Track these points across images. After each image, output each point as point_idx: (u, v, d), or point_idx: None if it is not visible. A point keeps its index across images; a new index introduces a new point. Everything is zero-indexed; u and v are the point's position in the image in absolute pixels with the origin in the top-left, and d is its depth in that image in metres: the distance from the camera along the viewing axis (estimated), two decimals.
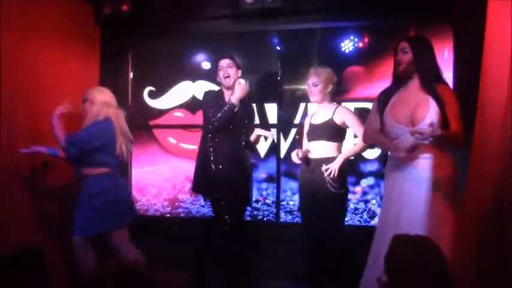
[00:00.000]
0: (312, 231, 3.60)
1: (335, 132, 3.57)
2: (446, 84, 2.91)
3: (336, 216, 3.55)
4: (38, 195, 3.82)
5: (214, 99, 3.77)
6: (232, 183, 3.68)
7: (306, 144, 3.73)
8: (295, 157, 3.57)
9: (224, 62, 3.77)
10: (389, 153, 3.13)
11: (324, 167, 3.47)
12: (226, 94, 3.77)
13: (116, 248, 3.55)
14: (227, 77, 3.75)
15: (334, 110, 3.58)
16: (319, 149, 3.58)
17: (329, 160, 3.51)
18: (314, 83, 3.61)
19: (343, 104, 3.84)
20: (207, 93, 3.88)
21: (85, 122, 3.54)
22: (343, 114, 3.56)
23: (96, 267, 3.51)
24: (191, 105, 4.70)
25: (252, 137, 3.79)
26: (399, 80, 2.98)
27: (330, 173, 3.45)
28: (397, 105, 2.95)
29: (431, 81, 2.82)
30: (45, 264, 2.04)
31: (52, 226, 3.86)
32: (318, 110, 3.72)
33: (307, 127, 3.72)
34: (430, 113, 2.77)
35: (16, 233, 3.46)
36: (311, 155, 3.59)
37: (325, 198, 3.49)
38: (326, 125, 3.57)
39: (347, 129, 3.63)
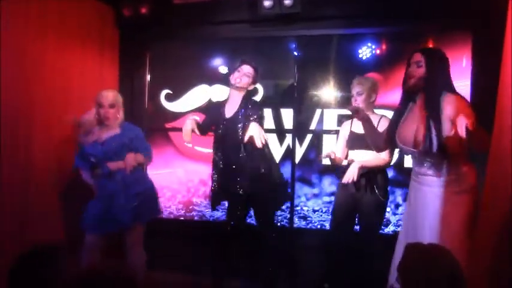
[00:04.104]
0: (343, 238, 3.65)
1: None
2: (456, 93, 2.79)
3: (378, 223, 3.66)
4: (56, 194, 3.85)
5: (213, 112, 3.78)
6: (243, 186, 3.60)
7: (343, 151, 3.76)
8: (325, 156, 3.63)
9: (246, 68, 3.67)
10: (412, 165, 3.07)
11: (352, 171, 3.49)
12: (227, 105, 3.72)
13: (129, 247, 3.50)
14: (238, 82, 3.65)
15: (379, 121, 3.56)
16: (365, 158, 3.58)
17: (375, 169, 3.57)
18: (358, 92, 3.61)
19: None
20: (210, 107, 3.89)
21: (113, 124, 3.52)
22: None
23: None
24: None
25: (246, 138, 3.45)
26: (408, 93, 2.88)
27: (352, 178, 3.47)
28: (404, 124, 2.89)
29: (437, 98, 2.71)
30: (63, 261, 2.03)
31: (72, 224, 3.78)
32: None
33: (348, 134, 3.73)
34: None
35: (38, 232, 3.51)
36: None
37: (370, 206, 3.56)
38: None
39: None
